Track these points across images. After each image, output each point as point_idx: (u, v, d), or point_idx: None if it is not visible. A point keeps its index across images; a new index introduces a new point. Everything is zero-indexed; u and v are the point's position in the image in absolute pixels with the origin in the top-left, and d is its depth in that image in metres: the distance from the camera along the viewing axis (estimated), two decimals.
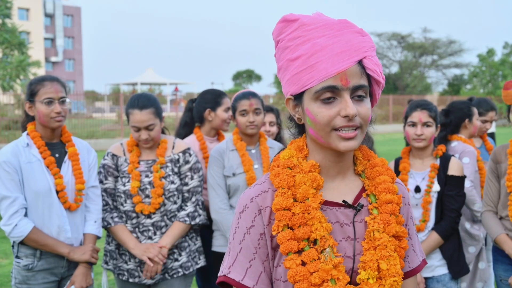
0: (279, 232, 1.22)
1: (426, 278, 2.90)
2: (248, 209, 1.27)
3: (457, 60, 50.55)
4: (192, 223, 2.84)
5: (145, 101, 2.76)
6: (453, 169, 2.90)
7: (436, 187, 2.87)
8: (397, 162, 3.05)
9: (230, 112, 3.33)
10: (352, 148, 1.21)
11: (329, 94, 1.18)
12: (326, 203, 1.26)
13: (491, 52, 44.44)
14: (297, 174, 1.26)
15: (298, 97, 1.26)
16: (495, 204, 2.88)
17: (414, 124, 2.90)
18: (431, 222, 2.88)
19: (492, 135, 17.71)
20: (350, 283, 1.22)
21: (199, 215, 2.88)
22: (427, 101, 3.00)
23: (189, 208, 2.85)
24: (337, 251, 1.22)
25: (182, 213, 2.84)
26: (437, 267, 2.89)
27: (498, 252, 2.88)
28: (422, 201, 2.89)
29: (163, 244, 2.76)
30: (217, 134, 3.51)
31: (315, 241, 1.21)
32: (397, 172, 3.00)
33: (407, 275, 1.38)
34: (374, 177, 1.30)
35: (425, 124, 2.87)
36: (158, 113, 2.79)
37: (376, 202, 1.28)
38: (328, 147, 1.24)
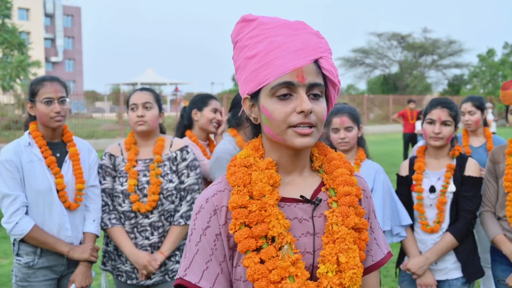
0: (236, 231, 1.21)
1: (438, 281, 2.84)
2: (204, 209, 1.26)
3: (457, 60, 50.55)
4: (188, 223, 2.83)
5: (147, 88, 2.95)
6: (470, 170, 2.83)
7: (452, 187, 2.80)
8: (411, 161, 2.98)
9: (218, 114, 3.35)
10: (307, 145, 1.21)
11: (285, 90, 1.19)
12: (284, 199, 1.26)
13: (491, 52, 44.45)
14: (253, 172, 1.26)
15: (254, 96, 1.26)
16: (493, 204, 2.87)
17: (432, 122, 2.81)
18: (445, 224, 2.82)
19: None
20: (311, 278, 1.22)
21: None
22: (449, 100, 2.88)
23: (183, 208, 2.83)
24: (296, 247, 1.22)
25: (177, 215, 2.83)
26: (451, 270, 2.83)
27: (496, 252, 2.87)
28: (437, 201, 2.81)
29: (163, 251, 2.77)
30: (208, 140, 3.50)
31: (273, 239, 1.21)
32: (412, 171, 2.93)
33: (371, 268, 1.38)
34: (332, 171, 1.30)
35: (444, 123, 2.79)
36: (157, 100, 2.88)
37: (335, 196, 1.28)
38: (284, 144, 1.24)
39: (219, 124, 3.41)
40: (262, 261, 1.20)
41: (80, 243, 2.78)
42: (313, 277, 1.23)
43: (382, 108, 33.20)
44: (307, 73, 1.19)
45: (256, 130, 1.35)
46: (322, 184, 1.32)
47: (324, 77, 1.24)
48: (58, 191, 2.67)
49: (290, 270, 1.17)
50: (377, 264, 1.39)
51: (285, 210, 1.25)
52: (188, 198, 2.86)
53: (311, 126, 1.20)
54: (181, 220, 2.81)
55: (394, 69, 51.69)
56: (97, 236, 2.84)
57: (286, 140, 1.22)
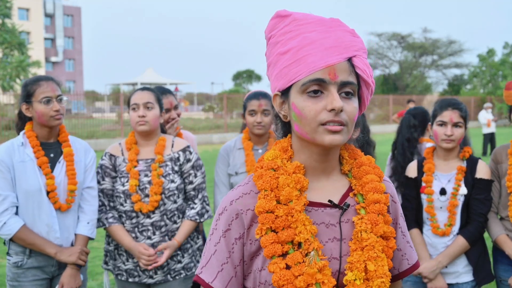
0: (262, 236, 1.20)
1: (448, 285, 2.81)
2: (227, 211, 1.26)
3: (457, 60, 50.57)
4: (202, 220, 2.89)
5: (147, 87, 2.92)
6: (481, 172, 2.79)
7: (464, 190, 2.75)
8: (420, 162, 2.94)
9: (173, 112, 3.25)
10: (337, 143, 1.18)
11: (316, 87, 1.17)
12: (311, 204, 1.24)
13: (491, 52, 44.44)
14: (280, 175, 1.24)
15: (285, 93, 1.24)
16: (496, 204, 2.86)
17: (444, 124, 2.76)
18: (456, 227, 2.78)
19: (492, 135, 17.70)
20: (337, 285, 1.20)
21: (207, 211, 2.93)
22: (458, 100, 2.82)
23: (198, 206, 2.88)
24: (323, 253, 1.20)
25: (192, 211, 2.86)
26: (462, 273, 2.80)
27: (498, 252, 2.87)
28: (448, 204, 2.78)
29: (177, 239, 2.79)
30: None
31: (299, 244, 1.19)
32: (421, 172, 2.89)
33: (407, 272, 1.38)
34: (361, 176, 1.28)
35: (456, 125, 2.74)
36: (158, 100, 2.86)
37: (363, 202, 1.26)
38: (313, 143, 1.21)
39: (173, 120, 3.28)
40: (288, 267, 1.18)
41: (72, 245, 2.75)
42: (339, 283, 1.21)
43: (382, 108, 33.20)
44: (340, 71, 1.16)
45: (286, 128, 1.33)
46: (350, 188, 1.30)
47: (357, 76, 1.21)
48: (48, 192, 2.65)
49: (317, 277, 1.15)
50: (413, 267, 1.38)
51: (312, 215, 1.23)
52: (200, 196, 2.90)
53: (341, 124, 1.17)
54: (197, 217, 2.86)
55: (394, 69, 51.70)
56: (90, 238, 2.81)
57: (316, 139, 1.19)
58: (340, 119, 1.16)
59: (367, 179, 1.27)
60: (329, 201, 1.24)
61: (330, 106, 1.15)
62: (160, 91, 3.25)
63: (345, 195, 1.28)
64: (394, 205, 1.35)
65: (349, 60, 1.18)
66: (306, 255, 1.18)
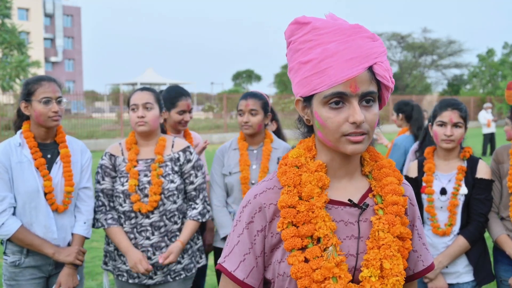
0: (283, 229, 1.25)
1: (449, 285, 2.82)
2: (250, 205, 1.31)
3: (457, 60, 50.68)
4: (203, 220, 2.90)
5: (147, 88, 2.92)
6: (481, 172, 2.80)
7: (464, 190, 2.76)
8: (420, 162, 2.95)
9: (187, 115, 3.29)
10: (359, 152, 1.23)
11: (338, 99, 1.21)
12: (332, 202, 1.29)
13: (491, 52, 44.45)
14: (303, 173, 1.29)
15: (307, 99, 1.28)
16: (497, 204, 2.86)
17: (443, 124, 2.77)
18: (456, 226, 2.79)
19: (492, 135, 17.65)
20: (352, 281, 1.24)
21: (208, 211, 2.94)
22: (458, 101, 2.82)
23: (199, 206, 2.89)
24: (341, 249, 1.25)
25: (194, 212, 2.87)
26: (462, 274, 2.80)
27: (498, 252, 2.87)
28: (448, 204, 2.78)
29: (181, 240, 2.79)
30: (181, 132, 3.43)
31: (318, 239, 1.24)
32: (421, 172, 2.90)
33: (422, 273, 1.41)
34: (381, 178, 1.33)
35: (456, 125, 2.75)
36: (158, 100, 2.85)
37: (382, 203, 1.30)
38: (336, 150, 1.26)
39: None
40: (306, 260, 1.23)
41: (69, 245, 2.76)
42: (354, 280, 1.26)
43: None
44: (360, 82, 1.20)
45: (309, 129, 1.37)
46: (370, 189, 1.34)
47: (378, 81, 1.25)
48: (45, 194, 2.65)
49: (334, 271, 1.20)
50: (428, 269, 1.42)
51: (332, 212, 1.28)
52: (201, 196, 2.91)
53: (363, 133, 1.22)
54: (199, 217, 2.87)
55: (394, 69, 51.72)
56: (86, 238, 2.82)
57: (339, 147, 1.24)
58: (361, 130, 1.21)
59: (387, 181, 1.32)
60: (349, 200, 1.29)
61: (352, 120, 1.20)
62: (179, 91, 3.30)
63: (365, 196, 1.33)
64: (412, 207, 1.40)
65: (370, 68, 1.21)
66: (325, 250, 1.23)
